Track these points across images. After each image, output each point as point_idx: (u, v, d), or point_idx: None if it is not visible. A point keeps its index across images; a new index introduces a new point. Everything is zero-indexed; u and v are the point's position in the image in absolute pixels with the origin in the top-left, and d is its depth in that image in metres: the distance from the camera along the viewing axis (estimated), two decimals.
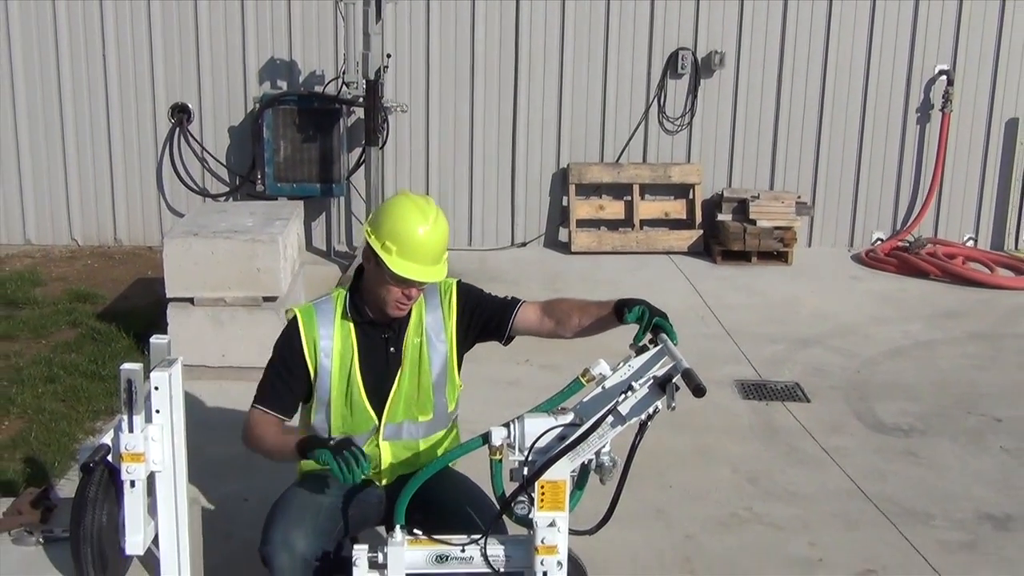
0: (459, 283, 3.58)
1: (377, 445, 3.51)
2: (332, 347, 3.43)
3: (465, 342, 3.55)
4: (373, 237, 3.32)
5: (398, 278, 3.28)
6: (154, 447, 2.95)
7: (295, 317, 3.46)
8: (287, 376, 3.44)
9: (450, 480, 3.52)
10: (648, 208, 9.27)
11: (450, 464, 3.61)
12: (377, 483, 3.59)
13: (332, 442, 3.16)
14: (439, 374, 3.50)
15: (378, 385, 3.47)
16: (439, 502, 3.37)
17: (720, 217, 9.05)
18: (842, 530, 4.50)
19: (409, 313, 3.47)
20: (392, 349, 3.47)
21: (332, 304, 3.49)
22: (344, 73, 8.26)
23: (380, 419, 3.48)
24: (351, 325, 3.45)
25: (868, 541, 4.41)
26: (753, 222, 8.83)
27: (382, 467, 3.55)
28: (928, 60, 9.17)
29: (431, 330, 3.49)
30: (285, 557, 3.27)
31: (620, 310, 3.22)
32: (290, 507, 3.39)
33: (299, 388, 3.45)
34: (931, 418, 5.73)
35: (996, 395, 6.08)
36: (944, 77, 9.13)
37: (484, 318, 3.51)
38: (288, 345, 3.45)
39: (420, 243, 3.26)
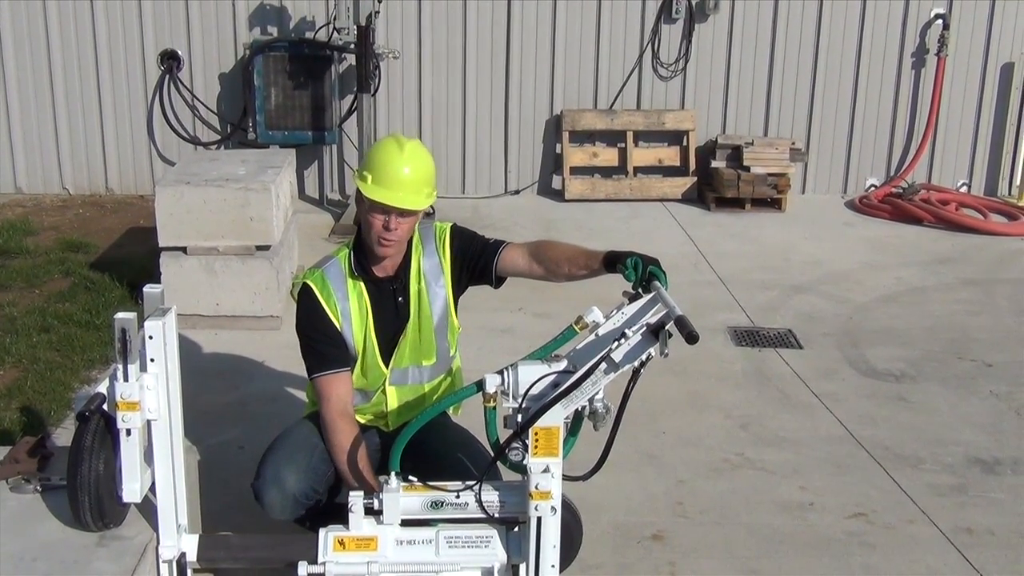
0: (453, 228, 3.58)
1: (384, 391, 3.54)
2: (350, 308, 3.44)
3: (459, 285, 3.57)
4: (357, 171, 3.40)
5: (373, 205, 3.30)
6: (149, 396, 2.95)
7: (308, 287, 3.43)
8: (327, 340, 3.42)
9: (444, 429, 3.54)
10: (642, 155, 9.23)
11: (448, 413, 3.65)
12: (384, 428, 3.62)
13: None
14: (440, 318, 3.52)
15: (389, 339, 3.49)
16: (433, 450, 3.40)
17: (714, 164, 9.02)
18: (833, 474, 4.54)
19: (410, 261, 3.48)
20: (400, 299, 3.49)
21: (339, 266, 3.47)
22: (335, 19, 8.17)
23: (388, 367, 3.50)
24: (361, 284, 3.46)
25: (858, 485, 4.45)
26: (747, 169, 8.81)
27: (388, 412, 3.58)
28: (924, 3, 9.09)
29: (429, 275, 3.50)
30: (275, 493, 3.35)
31: (611, 263, 3.22)
32: (284, 445, 3.45)
33: (341, 343, 3.44)
34: (922, 363, 5.77)
35: (987, 340, 6.12)
36: (940, 21, 9.05)
37: (472, 261, 3.52)
38: (314, 314, 3.42)
39: (392, 171, 3.28)
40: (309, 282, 3.44)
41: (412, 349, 3.52)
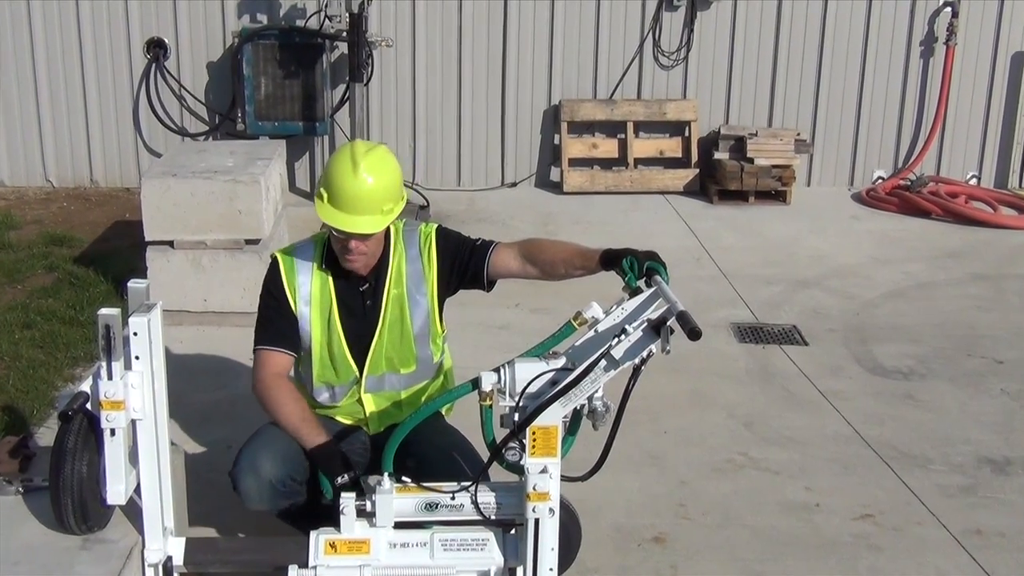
0: (438, 231, 3.53)
1: (359, 399, 3.53)
2: (311, 294, 3.44)
3: (447, 291, 3.54)
4: (319, 183, 3.35)
5: (331, 226, 3.29)
6: (134, 394, 2.94)
7: (275, 261, 3.49)
8: (280, 313, 3.46)
9: (435, 429, 3.52)
10: (642, 146, 9.21)
11: (441, 413, 3.64)
12: (365, 429, 3.61)
13: (340, 480, 3.19)
14: (421, 327, 3.49)
15: (358, 337, 3.47)
16: (424, 450, 3.38)
17: (717, 155, 9.00)
18: (839, 475, 4.53)
19: (388, 264, 3.45)
20: (369, 303, 3.46)
21: (312, 251, 3.48)
22: (327, 6, 8.14)
23: (361, 372, 3.49)
24: (329, 275, 3.45)
25: (865, 486, 4.44)
26: (751, 160, 8.79)
27: (367, 416, 3.57)
28: None
29: (411, 283, 3.47)
30: (251, 480, 3.35)
31: (607, 263, 3.20)
32: (264, 434, 3.46)
33: (293, 324, 3.46)
34: (931, 361, 5.76)
35: (997, 337, 6.11)
36: (948, 9, 9.03)
37: (461, 267, 3.49)
38: (273, 284, 3.48)
39: (345, 192, 3.21)
40: (278, 256, 3.49)
41: (388, 357, 3.49)
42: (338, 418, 3.61)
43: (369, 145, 3.31)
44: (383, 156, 3.28)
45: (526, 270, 3.45)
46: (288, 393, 3.43)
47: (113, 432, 2.96)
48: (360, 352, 3.48)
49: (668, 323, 2.78)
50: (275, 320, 3.47)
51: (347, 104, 8.52)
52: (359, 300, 3.46)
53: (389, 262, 3.45)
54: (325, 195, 3.25)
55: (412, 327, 3.48)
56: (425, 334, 3.51)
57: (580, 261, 3.33)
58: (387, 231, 3.44)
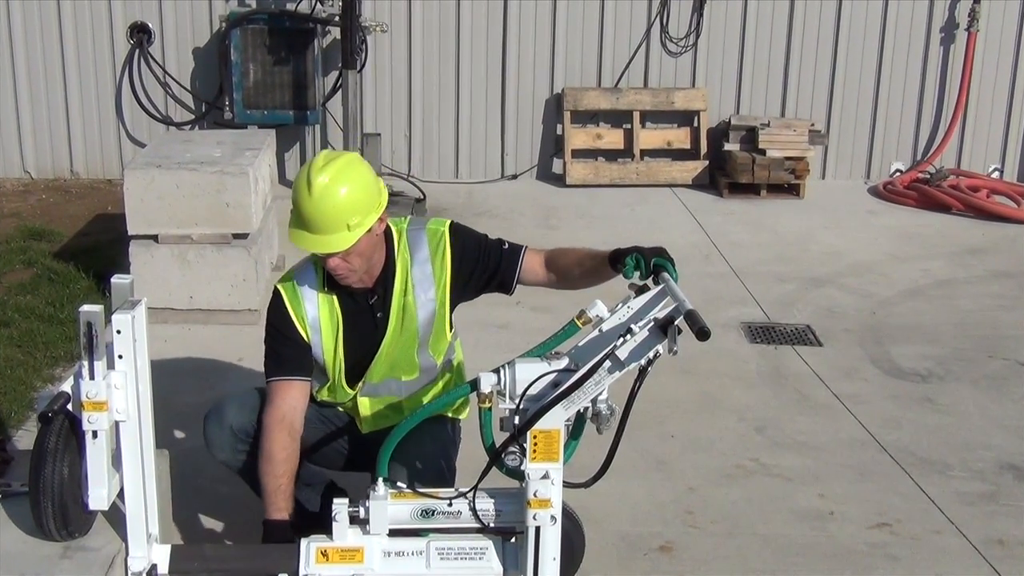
0: (452, 229, 3.48)
1: (355, 400, 3.53)
2: (319, 320, 3.42)
3: (464, 294, 3.51)
4: None
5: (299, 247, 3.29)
6: (117, 395, 2.95)
7: (278, 293, 3.45)
8: (290, 344, 3.43)
9: (424, 432, 3.51)
10: (649, 137, 9.22)
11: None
12: (358, 426, 3.61)
13: None
14: (425, 331, 3.47)
15: (363, 354, 3.46)
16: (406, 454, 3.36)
17: (727, 147, 9.01)
18: (855, 481, 4.54)
19: (392, 271, 3.43)
20: (380, 315, 3.44)
21: (313, 274, 3.44)
22: None
23: (356, 386, 3.50)
24: (334, 296, 3.42)
25: (882, 493, 4.45)
26: (763, 152, 8.80)
27: (360, 418, 3.57)
28: None
29: (418, 286, 3.43)
30: (215, 428, 3.51)
31: (615, 263, 3.21)
32: (239, 390, 3.64)
33: (305, 351, 3.44)
34: (951, 362, 5.77)
35: (1021, 338, 6.12)
36: None
37: (487, 274, 3.47)
38: (279, 318, 3.44)
39: (304, 211, 3.17)
40: (280, 288, 3.45)
41: (391, 364, 3.48)
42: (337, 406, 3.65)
43: (329, 157, 3.21)
44: (343, 168, 3.18)
45: (548, 277, 3.48)
46: (281, 450, 3.35)
47: (95, 434, 2.96)
48: (362, 368, 3.47)
49: (676, 322, 2.78)
50: (283, 351, 3.44)
51: (339, 92, 8.52)
52: (369, 315, 3.44)
53: (395, 268, 3.42)
54: (292, 216, 3.24)
55: (417, 332, 3.45)
56: (427, 339, 3.48)
57: (590, 262, 3.34)
58: (387, 235, 3.40)
